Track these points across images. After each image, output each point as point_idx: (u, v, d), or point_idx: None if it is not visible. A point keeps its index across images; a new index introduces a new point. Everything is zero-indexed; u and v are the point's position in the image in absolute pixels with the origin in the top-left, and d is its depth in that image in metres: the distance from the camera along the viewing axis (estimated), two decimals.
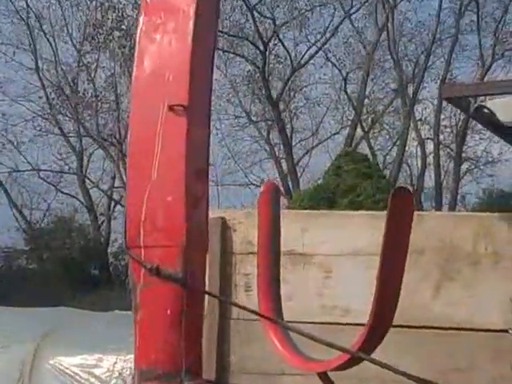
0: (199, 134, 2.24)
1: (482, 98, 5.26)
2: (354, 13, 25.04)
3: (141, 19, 2.33)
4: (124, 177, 21.79)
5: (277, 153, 25.16)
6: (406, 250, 2.12)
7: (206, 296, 2.41)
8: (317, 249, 4.21)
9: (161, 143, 2.17)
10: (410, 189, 22.08)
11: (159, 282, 2.11)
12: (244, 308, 2.41)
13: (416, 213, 2.28)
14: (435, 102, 24.38)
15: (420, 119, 25.27)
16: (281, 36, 25.03)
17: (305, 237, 4.23)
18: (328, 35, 24.89)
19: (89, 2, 25.07)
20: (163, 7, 2.30)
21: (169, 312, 2.12)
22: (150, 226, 2.15)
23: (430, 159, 24.84)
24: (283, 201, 20.65)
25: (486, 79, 23.35)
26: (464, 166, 25.29)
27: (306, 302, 4.10)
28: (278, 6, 24.54)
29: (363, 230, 4.03)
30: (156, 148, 2.17)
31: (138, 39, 2.33)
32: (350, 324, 3.76)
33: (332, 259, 4.16)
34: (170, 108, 2.18)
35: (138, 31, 2.33)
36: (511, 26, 24.53)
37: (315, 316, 4.05)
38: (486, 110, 4.25)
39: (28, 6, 25.36)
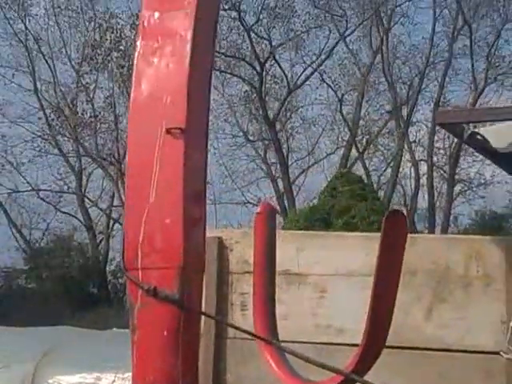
0: (197, 157, 2.26)
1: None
2: (348, 35, 25.27)
3: (138, 43, 2.36)
4: (123, 196, 21.83)
5: (273, 172, 25.28)
6: (399, 272, 2.15)
7: (203, 316, 2.43)
8: (312, 269, 4.24)
9: (159, 166, 2.19)
10: (404, 210, 22.26)
11: (156, 303, 2.13)
12: (239, 329, 2.43)
13: (409, 235, 2.31)
14: (429, 124, 24.57)
15: (414, 141, 25.47)
16: (277, 57, 25.21)
17: (300, 257, 4.26)
18: (323, 57, 25.10)
19: (87, 23, 25.25)
20: (160, 31, 2.33)
21: (165, 333, 2.13)
22: (147, 248, 2.17)
23: (424, 180, 25.00)
24: (279, 219, 20.71)
25: (478, 103, 23.57)
26: (457, 188, 25.50)
27: (301, 321, 4.12)
28: (274, 28, 24.75)
29: (357, 251, 4.06)
30: (154, 170, 2.19)
31: (135, 62, 2.36)
32: (345, 344, 3.78)
33: (327, 279, 4.19)
34: (168, 131, 2.20)
35: (136, 55, 2.36)
36: (503, 50, 24.83)
37: (310, 336, 4.08)
38: (479, 137, 4.30)
39: (26, 28, 25.56)
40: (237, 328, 2.57)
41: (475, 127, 4.85)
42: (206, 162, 2.33)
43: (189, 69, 2.25)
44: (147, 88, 2.30)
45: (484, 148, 4.47)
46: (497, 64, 24.77)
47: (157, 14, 2.35)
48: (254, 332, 2.52)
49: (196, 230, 2.21)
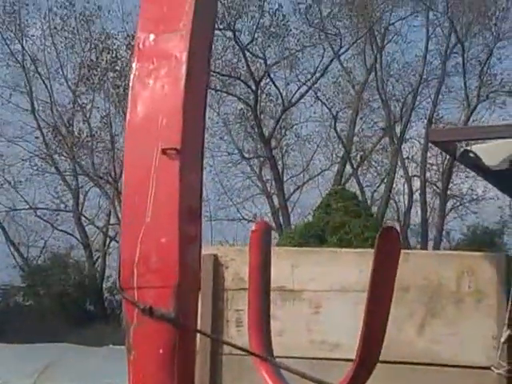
0: (192, 177, 2.29)
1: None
2: (342, 53, 25.43)
3: (134, 65, 2.39)
4: (119, 214, 21.89)
5: (268, 188, 25.35)
6: (392, 288, 2.18)
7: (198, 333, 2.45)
8: (306, 285, 4.27)
9: (154, 186, 2.21)
10: (397, 226, 22.29)
11: (152, 321, 2.14)
12: (235, 346, 2.46)
13: (402, 251, 2.35)
14: (422, 140, 24.71)
15: (407, 157, 25.61)
16: (272, 75, 25.36)
17: (295, 273, 4.30)
18: (318, 75, 25.22)
19: (83, 44, 25.40)
20: (156, 53, 2.36)
21: (161, 351, 2.15)
22: (143, 267, 2.19)
23: (417, 196, 25.13)
24: (274, 235, 20.75)
25: (471, 120, 23.73)
26: (449, 203, 25.68)
27: (296, 337, 4.15)
28: (269, 46, 24.88)
29: (352, 268, 4.10)
30: (150, 191, 2.21)
31: (131, 84, 2.38)
32: (340, 359, 3.80)
33: (321, 295, 4.22)
34: (164, 151, 2.23)
35: (132, 76, 2.39)
36: (495, 68, 25.02)
37: (305, 351, 4.11)
38: (471, 155, 4.34)
39: (23, 48, 25.75)
40: (232, 345, 2.59)
41: (467, 145, 4.89)
42: (202, 182, 2.35)
43: (184, 90, 2.28)
44: (143, 109, 2.33)
45: (476, 165, 4.51)
46: (489, 82, 24.96)
47: (152, 36, 2.38)
48: (249, 348, 2.54)
49: (192, 249, 2.23)
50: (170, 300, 2.15)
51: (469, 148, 4.52)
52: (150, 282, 2.17)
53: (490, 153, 4.36)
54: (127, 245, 2.24)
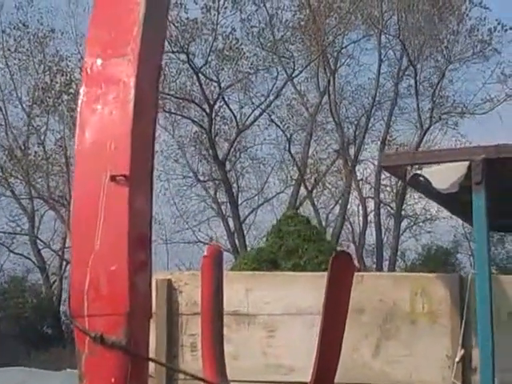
0: (141, 203, 2.27)
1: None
2: (296, 76, 25.63)
3: (81, 90, 2.37)
4: None
5: (224, 211, 25.31)
6: (346, 310, 2.19)
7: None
8: (261, 309, 4.26)
9: (103, 213, 2.19)
10: (353, 247, 22.39)
11: (104, 350, 2.11)
12: (187, 373, 2.43)
13: (356, 273, 2.36)
14: (376, 162, 25.00)
15: (361, 179, 25.86)
16: (226, 98, 25.41)
17: (249, 297, 4.29)
18: (271, 98, 25.37)
19: (37, 66, 25.16)
20: (104, 78, 2.34)
21: (113, 380, 2.12)
22: (93, 295, 2.16)
23: (371, 217, 25.35)
24: (231, 257, 20.75)
25: (424, 141, 24.12)
26: (404, 224, 25.98)
27: (252, 361, 4.13)
28: (222, 69, 24.97)
29: (306, 291, 4.11)
30: (99, 218, 2.19)
31: (79, 110, 2.36)
32: (295, 382, 3.80)
33: (276, 319, 4.21)
34: (112, 178, 2.21)
35: (80, 102, 2.36)
36: (447, 90, 25.54)
37: (260, 375, 4.09)
38: (421, 178, 4.39)
39: None
40: (184, 372, 2.56)
41: (419, 168, 4.94)
42: (151, 207, 2.33)
43: (133, 115, 2.27)
44: (91, 135, 2.30)
45: (426, 189, 4.56)
46: (441, 103, 25.45)
47: (100, 61, 2.37)
48: (203, 374, 2.52)
49: (142, 276, 2.21)
50: (121, 328, 2.12)
51: (419, 172, 4.56)
52: (100, 310, 2.14)
53: (440, 176, 4.39)
54: (77, 272, 2.21)
